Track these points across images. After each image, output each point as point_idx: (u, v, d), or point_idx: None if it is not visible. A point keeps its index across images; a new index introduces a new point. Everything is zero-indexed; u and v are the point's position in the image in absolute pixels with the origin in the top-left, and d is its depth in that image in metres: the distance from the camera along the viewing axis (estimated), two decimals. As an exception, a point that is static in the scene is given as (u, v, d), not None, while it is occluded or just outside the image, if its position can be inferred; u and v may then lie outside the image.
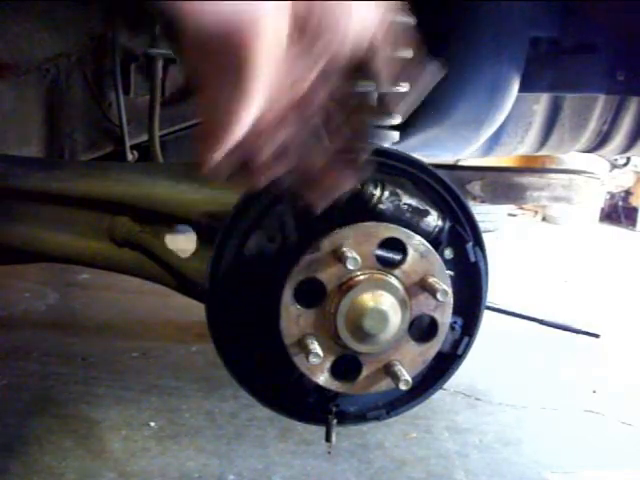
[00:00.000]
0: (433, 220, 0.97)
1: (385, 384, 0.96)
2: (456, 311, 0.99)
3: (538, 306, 3.41)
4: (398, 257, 0.93)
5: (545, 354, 2.94)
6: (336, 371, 0.95)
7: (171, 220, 1.15)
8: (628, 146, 1.98)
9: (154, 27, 1.44)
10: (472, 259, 1.02)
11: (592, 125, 1.89)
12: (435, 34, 1.35)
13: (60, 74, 1.45)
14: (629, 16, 1.43)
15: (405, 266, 0.93)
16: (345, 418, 1.05)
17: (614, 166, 2.56)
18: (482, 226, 1.04)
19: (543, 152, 2.07)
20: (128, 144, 1.55)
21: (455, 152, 1.79)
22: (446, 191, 1.01)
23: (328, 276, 0.91)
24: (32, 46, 1.39)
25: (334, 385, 0.95)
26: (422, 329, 0.97)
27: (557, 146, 2.00)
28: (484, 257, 1.04)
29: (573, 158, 2.54)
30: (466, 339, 1.06)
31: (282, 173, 0.60)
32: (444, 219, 0.98)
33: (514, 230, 6.45)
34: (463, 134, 1.54)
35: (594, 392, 2.53)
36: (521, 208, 7.67)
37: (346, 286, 0.91)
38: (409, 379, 0.92)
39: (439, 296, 0.90)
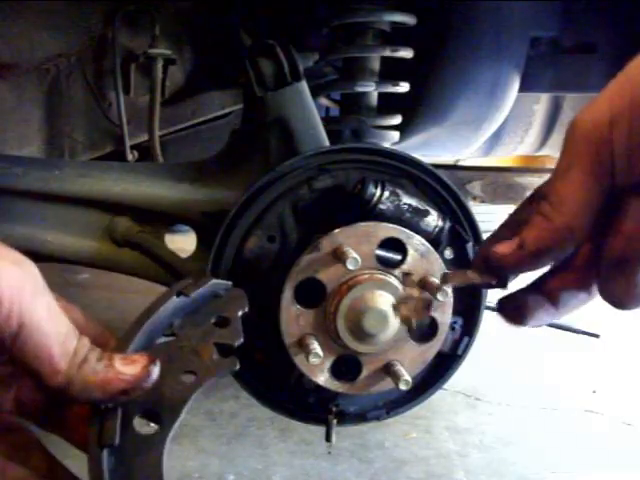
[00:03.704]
0: (433, 220, 0.97)
1: (385, 384, 0.96)
2: (456, 311, 0.99)
3: (538, 306, 3.40)
4: (398, 257, 0.93)
5: (545, 354, 2.93)
6: (336, 371, 0.94)
7: (171, 220, 1.15)
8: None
9: (154, 27, 1.44)
10: (472, 259, 1.02)
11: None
12: (435, 34, 1.35)
13: (60, 74, 1.45)
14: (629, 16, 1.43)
15: (405, 266, 0.93)
16: (345, 418, 1.05)
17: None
18: (482, 226, 1.04)
19: (543, 152, 2.07)
20: (128, 144, 1.55)
21: (455, 152, 1.79)
22: (446, 191, 1.01)
23: (328, 276, 0.91)
24: (32, 46, 1.39)
25: (334, 385, 0.95)
26: (422, 329, 0.97)
27: (557, 146, 2.00)
28: (484, 257, 1.04)
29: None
30: (466, 339, 1.06)
31: None
32: (444, 219, 0.98)
33: (514, 230, 6.44)
34: (463, 134, 1.54)
35: (594, 392, 2.53)
36: (521, 208, 7.66)
37: (346, 286, 0.91)
38: (409, 379, 0.92)
39: (439, 296, 0.89)
